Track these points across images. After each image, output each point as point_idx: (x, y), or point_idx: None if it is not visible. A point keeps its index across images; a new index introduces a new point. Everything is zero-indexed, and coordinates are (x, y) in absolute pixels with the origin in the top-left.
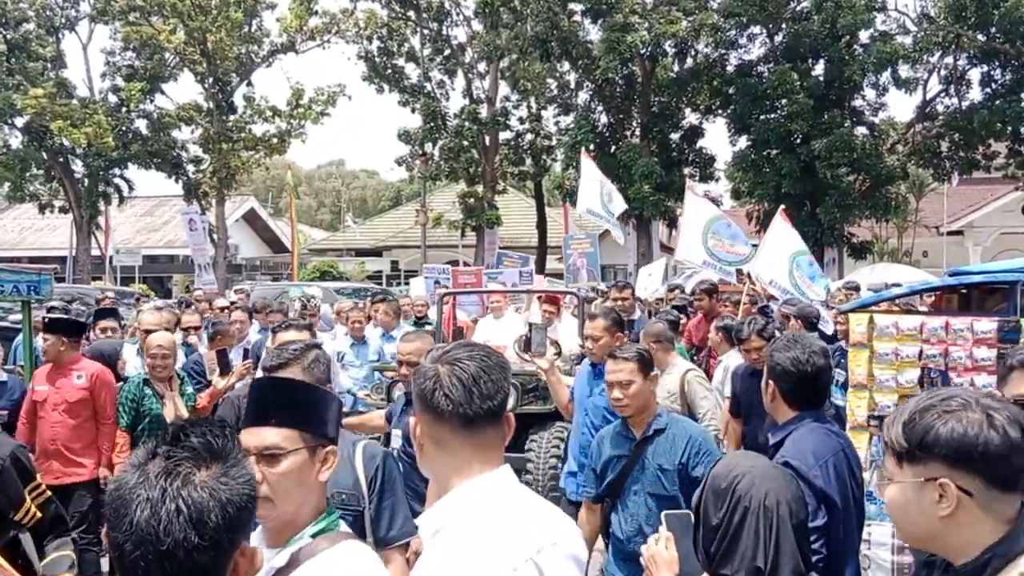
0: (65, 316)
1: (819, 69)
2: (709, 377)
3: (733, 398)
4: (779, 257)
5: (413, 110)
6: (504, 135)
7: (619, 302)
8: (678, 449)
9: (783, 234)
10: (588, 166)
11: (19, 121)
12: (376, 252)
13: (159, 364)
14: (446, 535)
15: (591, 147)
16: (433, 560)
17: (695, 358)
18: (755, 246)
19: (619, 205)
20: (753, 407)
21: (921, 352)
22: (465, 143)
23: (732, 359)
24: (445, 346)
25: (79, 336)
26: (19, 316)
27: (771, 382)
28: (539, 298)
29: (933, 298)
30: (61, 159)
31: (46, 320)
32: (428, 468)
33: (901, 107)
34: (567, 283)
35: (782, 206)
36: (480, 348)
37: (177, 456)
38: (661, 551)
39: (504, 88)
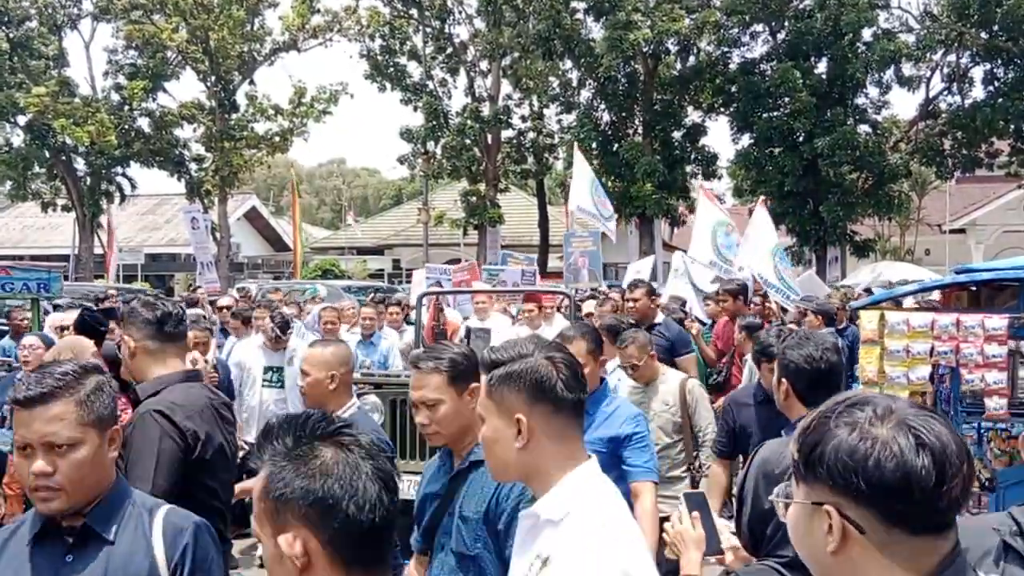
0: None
1: (822, 67)
2: (732, 384)
3: (728, 433)
4: (761, 249)
5: (415, 108)
6: (506, 133)
7: (631, 303)
8: (488, 490)
9: (764, 226)
10: (581, 163)
11: (22, 119)
12: (378, 251)
13: None
14: (578, 518)
15: (593, 145)
16: (575, 537)
17: (718, 363)
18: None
19: (608, 212)
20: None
21: (932, 349)
22: (467, 141)
23: None
24: (524, 341)
25: (86, 335)
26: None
27: (784, 380)
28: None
29: (940, 296)
30: (64, 157)
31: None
32: (527, 464)
33: (904, 105)
34: (566, 283)
35: (762, 196)
36: (546, 340)
37: (347, 441)
38: (688, 529)
39: (506, 86)
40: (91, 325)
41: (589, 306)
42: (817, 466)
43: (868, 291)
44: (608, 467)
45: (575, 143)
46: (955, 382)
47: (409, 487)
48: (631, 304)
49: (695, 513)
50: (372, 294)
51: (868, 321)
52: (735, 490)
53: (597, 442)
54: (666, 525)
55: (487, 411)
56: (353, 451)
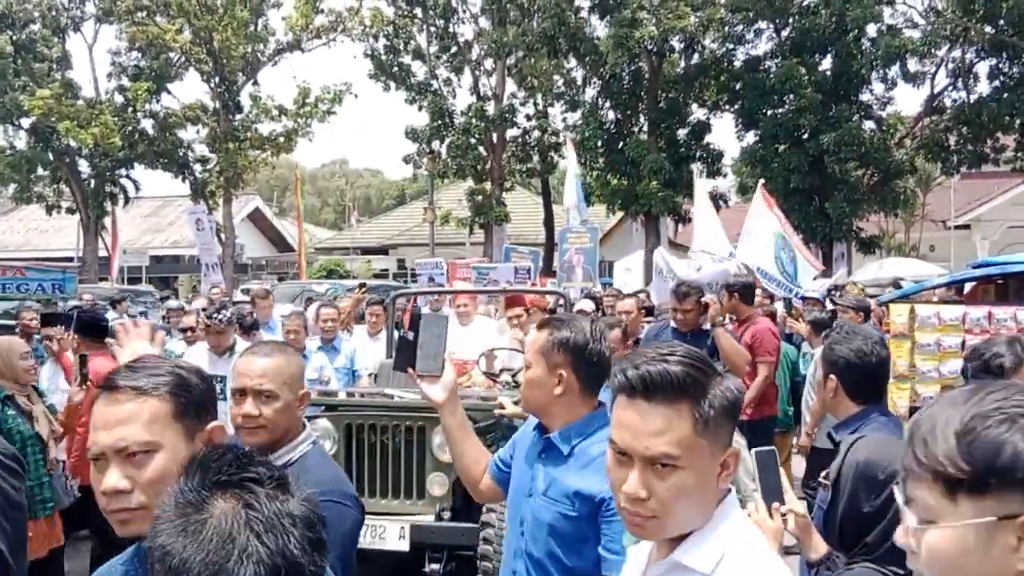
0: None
1: (827, 63)
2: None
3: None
4: (763, 241)
5: (420, 108)
6: (511, 132)
7: (679, 314)
8: None
9: (764, 215)
10: (573, 159)
11: (25, 122)
12: (382, 250)
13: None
14: (737, 569)
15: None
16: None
17: None
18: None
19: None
20: None
21: (964, 342)
22: (472, 140)
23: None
24: (670, 344)
25: (85, 335)
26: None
27: (833, 376)
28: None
29: (955, 290)
30: (67, 160)
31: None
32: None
33: (909, 101)
34: (559, 282)
35: (762, 180)
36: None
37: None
38: (767, 520)
39: (511, 85)
40: (91, 323)
41: (585, 305)
42: (1012, 472)
43: (897, 285)
44: (573, 540)
45: (568, 139)
46: None
47: (366, 532)
48: (680, 316)
49: (775, 504)
50: (358, 289)
51: (898, 315)
52: (829, 478)
53: (563, 499)
54: (748, 504)
55: (695, 454)
56: (256, 509)
